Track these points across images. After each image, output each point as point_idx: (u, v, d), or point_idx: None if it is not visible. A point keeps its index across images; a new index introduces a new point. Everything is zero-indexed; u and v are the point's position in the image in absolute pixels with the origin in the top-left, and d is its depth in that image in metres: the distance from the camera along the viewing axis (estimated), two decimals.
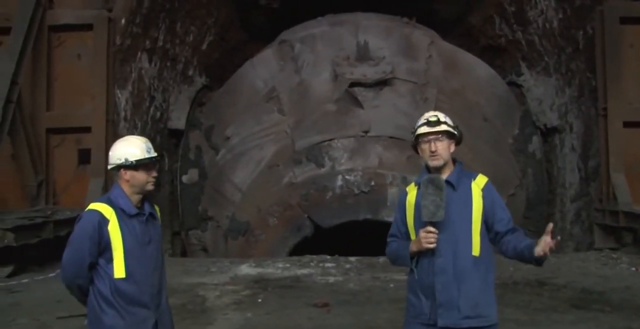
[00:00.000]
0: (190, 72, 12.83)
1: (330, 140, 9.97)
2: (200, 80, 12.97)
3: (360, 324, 5.60)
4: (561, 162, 11.60)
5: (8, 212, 8.87)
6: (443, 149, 3.16)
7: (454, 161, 3.25)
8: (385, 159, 9.61)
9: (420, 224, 3.09)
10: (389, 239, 3.33)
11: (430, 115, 3.22)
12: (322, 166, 9.77)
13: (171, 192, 11.63)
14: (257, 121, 10.81)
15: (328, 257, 8.82)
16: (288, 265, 8.38)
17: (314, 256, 8.82)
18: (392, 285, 7.09)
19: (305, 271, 8.09)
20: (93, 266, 3.09)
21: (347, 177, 9.44)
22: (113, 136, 9.98)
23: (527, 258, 3.04)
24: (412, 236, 3.16)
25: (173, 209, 11.61)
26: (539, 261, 3.02)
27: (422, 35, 11.68)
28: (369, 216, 9.22)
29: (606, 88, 10.01)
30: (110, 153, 3.19)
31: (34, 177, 9.52)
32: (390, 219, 9.09)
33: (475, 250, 3.08)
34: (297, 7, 12.87)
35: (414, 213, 3.16)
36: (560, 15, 11.10)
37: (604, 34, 10.03)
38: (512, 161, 11.39)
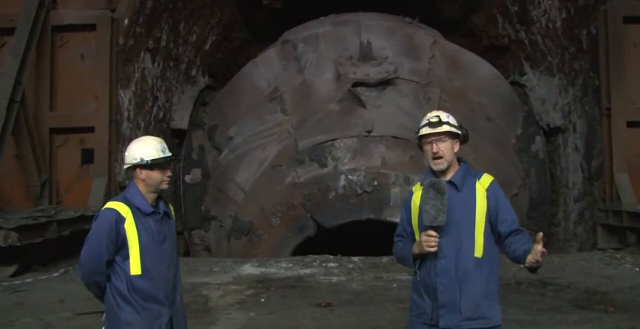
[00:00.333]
0: (193, 72, 12.85)
1: (333, 140, 9.97)
2: (203, 80, 12.99)
3: (363, 324, 5.60)
4: (564, 162, 11.58)
5: (12, 212, 8.89)
6: (446, 149, 3.13)
7: (459, 160, 3.22)
8: (388, 159, 9.60)
9: (422, 226, 3.08)
10: (395, 239, 3.33)
11: (432, 115, 3.18)
12: (325, 165, 9.77)
13: (174, 192, 11.65)
14: (260, 121, 10.81)
15: (331, 257, 8.82)
16: (291, 265, 8.38)
17: (317, 256, 8.82)
18: (395, 285, 7.09)
19: (308, 271, 8.09)
20: (110, 264, 3.16)
21: (350, 177, 9.44)
22: (116, 136, 10.03)
23: (522, 264, 3.02)
24: (417, 237, 3.16)
25: (176, 209, 11.57)
26: (531, 270, 3.01)
27: (425, 35, 11.67)
28: (371, 216, 9.22)
29: (609, 88, 9.98)
30: (126, 153, 3.27)
31: (37, 177, 9.53)
32: (393, 219, 9.19)
33: (478, 251, 3.06)
34: (300, 7, 12.88)
35: (418, 215, 3.14)
36: (564, 15, 11.08)
37: (608, 34, 10.00)
38: (515, 161, 11.38)
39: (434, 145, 3.12)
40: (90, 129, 9.97)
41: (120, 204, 3.18)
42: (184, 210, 11.66)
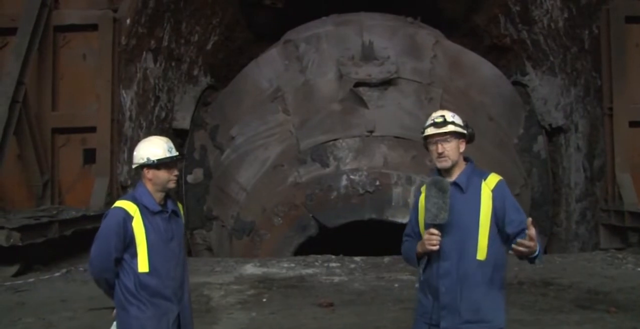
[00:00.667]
0: (195, 72, 12.86)
1: (335, 140, 9.96)
2: (205, 80, 13.01)
3: (364, 324, 5.59)
4: (566, 162, 11.58)
5: (14, 211, 8.91)
6: (451, 150, 3.11)
7: (466, 159, 3.20)
8: (390, 159, 9.60)
9: (426, 225, 3.07)
10: (403, 238, 3.32)
11: (437, 115, 3.16)
12: (327, 165, 9.76)
13: (176, 192, 11.66)
14: (262, 121, 10.82)
15: (333, 257, 8.82)
16: (293, 265, 8.38)
17: (319, 256, 8.82)
18: (397, 285, 7.09)
19: (310, 270, 8.09)
20: (119, 261, 3.23)
21: (352, 177, 9.43)
22: (118, 136, 10.05)
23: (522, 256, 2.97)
24: (423, 236, 3.14)
25: None
26: (529, 260, 2.97)
27: (426, 35, 11.67)
28: (373, 216, 9.21)
29: (612, 88, 9.97)
30: (134, 153, 3.32)
31: (39, 177, 9.54)
32: (395, 219, 9.18)
33: (481, 254, 3.03)
34: (302, 7, 12.87)
35: (424, 214, 3.11)
36: (566, 15, 11.07)
37: (610, 34, 9.99)
38: (517, 161, 11.37)
39: (439, 145, 3.10)
40: (92, 129, 9.98)
41: (128, 203, 3.24)
42: (186, 210, 11.66)
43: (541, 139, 11.92)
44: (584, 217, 10.85)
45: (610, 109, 9.98)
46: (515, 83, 12.39)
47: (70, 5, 10.30)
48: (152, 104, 11.27)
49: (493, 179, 3.13)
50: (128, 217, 3.19)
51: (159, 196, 3.31)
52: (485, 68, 11.75)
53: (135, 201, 3.26)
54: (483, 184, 3.11)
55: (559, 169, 11.79)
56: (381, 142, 9.83)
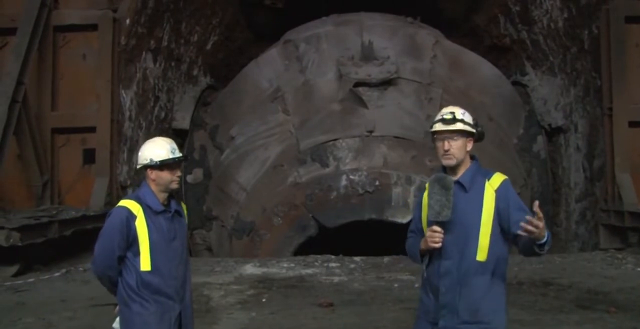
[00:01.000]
0: (195, 72, 12.86)
1: (335, 140, 9.96)
2: (204, 80, 13.01)
3: (364, 324, 5.59)
4: (566, 162, 11.58)
5: (14, 211, 8.91)
6: (457, 148, 3.07)
7: (472, 157, 3.17)
8: (390, 159, 9.60)
9: (429, 222, 3.06)
10: (408, 235, 3.32)
11: (447, 111, 3.11)
12: (327, 165, 9.77)
13: (176, 192, 11.64)
14: (262, 121, 10.82)
15: (332, 257, 8.82)
16: (292, 265, 8.38)
17: (319, 256, 8.82)
18: (396, 285, 7.09)
19: (309, 270, 8.09)
20: (122, 259, 3.27)
21: (351, 177, 9.43)
22: (118, 136, 10.05)
23: (531, 245, 2.91)
24: (426, 233, 3.12)
25: None
26: (539, 247, 2.89)
27: (426, 35, 11.67)
28: (373, 216, 9.21)
29: (611, 88, 9.97)
30: (139, 154, 3.38)
31: (39, 177, 9.54)
32: (395, 219, 9.19)
33: (481, 255, 3.01)
34: (302, 7, 12.87)
35: (427, 211, 3.10)
36: (565, 15, 11.07)
37: (609, 34, 9.99)
38: (517, 161, 11.37)
39: (446, 142, 3.07)
40: (92, 129, 9.98)
41: (132, 202, 3.29)
42: (186, 210, 11.64)
43: (541, 139, 11.93)
44: (583, 217, 10.85)
45: (610, 109, 9.98)
46: (515, 83, 12.40)
47: (70, 5, 10.30)
48: (152, 104, 11.27)
49: (497, 179, 3.10)
50: (131, 216, 3.24)
51: (162, 196, 3.36)
52: (485, 68, 11.75)
53: (139, 200, 3.31)
54: (487, 184, 3.08)
55: (559, 169, 11.79)
56: (381, 142, 9.83)
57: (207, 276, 7.74)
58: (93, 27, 10.11)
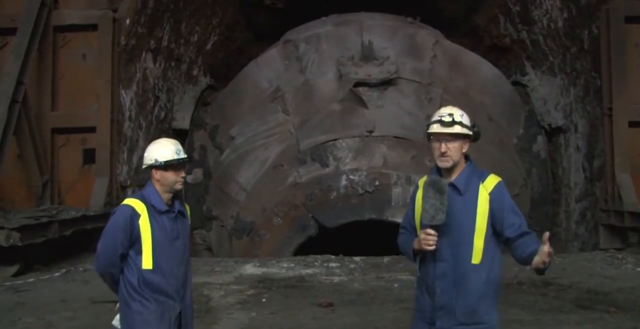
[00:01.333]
0: (195, 72, 12.86)
1: (335, 140, 9.97)
2: (204, 80, 13.01)
3: (364, 324, 5.60)
4: (566, 162, 11.58)
5: (14, 212, 8.91)
6: (454, 150, 3.07)
7: (466, 157, 3.17)
8: (389, 159, 9.60)
9: (423, 224, 3.07)
10: (400, 230, 3.34)
11: (446, 113, 3.09)
12: (327, 165, 9.77)
13: (180, 193, 11.63)
14: (262, 121, 10.81)
15: (332, 257, 8.82)
16: (292, 265, 8.39)
17: (319, 256, 8.82)
18: (396, 285, 7.09)
19: (309, 270, 8.09)
20: (124, 257, 3.31)
21: (351, 177, 9.44)
22: (118, 136, 10.05)
23: (528, 261, 2.98)
24: (419, 233, 3.14)
25: None
26: (538, 272, 2.96)
27: (426, 35, 11.67)
28: (373, 216, 9.22)
29: (611, 88, 9.97)
30: (144, 154, 3.44)
31: (39, 177, 9.54)
32: (395, 219, 9.18)
33: (476, 258, 3.02)
34: (302, 7, 12.88)
35: (420, 211, 3.11)
36: (565, 15, 11.07)
37: (609, 34, 9.99)
38: (517, 161, 11.37)
39: (443, 144, 3.06)
40: (92, 129, 9.98)
41: (136, 201, 3.35)
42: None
43: (541, 139, 11.93)
44: (583, 217, 10.85)
45: (610, 109, 9.98)
46: (515, 83, 12.39)
47: (70, 5, 10.30)
48: (152, 104, 11.27)
49: (491, 181, 3.10)
50: (135, 215, 3.29)
51: (166, 197, 3.41)
52: (485, 68, 11.75)
53: (143, 199, 3.36)
54: (481, 186, 3.08)
55: (559, 169, 11.79)
56: (381, 142, 9.83)
57: (207, 276, 7.74)
58: (93, 27, 10.12)
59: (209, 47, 13.09)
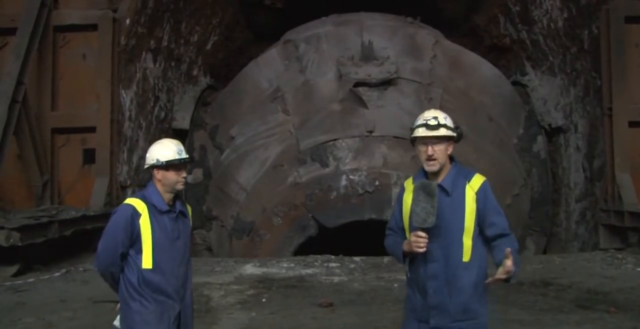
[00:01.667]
0: (195, 72, 12.86)
1: (335, 140, 9.96)
2: (204, 80, 13.01)
3: (364, 324, 5.60)
4: (566, 162, 11.58)
5: (14, 212, 8.91)
6: (441, 152, 3.14)
7: (451, 158, 3.23)
8: (389, 159, 9.60)
9: (412, 227, 3.12)
10: (387, 232, 3.40)
11: (430, 116, 3.16)
12: (327, 165, 9.77)
13: (182, 193, 11.63)
14: (262, 121, 10.81)
15: (332, 257, 8.82)
16: (292, 265, 8.39)
17: (319, 256, 8.83)
18: (396, 285, 7.09)
19: (309, 270, 8.10)
20: (125, 256, 3.33)
21: (351, 177, 9.44)
22: (118, 136, 10.05)
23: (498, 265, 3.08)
24: (407, 235, 3.20)
25: None
26: (504, 280, 3.05)
27: (426, 35, 11.67)
28: (373, 216, 9.21)
29: (611, 88, 9.97)
30: (147, 154, 3.46)
31: (39, 177, 9.55)
32: None
33: (466, 256, 3.10)
34: (302, 7, 12.88)
35: (409, 214, 3.17)
36: (565, 15, 11.07)
37: (609, 34, 9.99)
38: (517, 161, 11.36)
39: (430, 147, 3.13)
40: (92, 129, 9.98)
41: (137, 201, 3.37)
42: None
43: (541, 139, 11.93)
44: (583, 217, 10.85)
45: (610, 109, 9.98)
46: (515, 83, 12.39)
47: (70, 5, 10.30)
48: (152, 104, 11.27)
49: (477, 181, 3.17)
50: (136, 214, 3.31)
51: (168, 197, 3.43)
52: (485, 68, 11.75)
53: (144, 199, 3.38)
54: (467, 186, 3.15)
55: (559, 169, 11.79)
56: (381, 142, 9.83)
57: (207, 276, 7.74)
58: (93, 27, 10.12)
59: (209, 47, 13.09)
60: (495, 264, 3.09)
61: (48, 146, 9.90)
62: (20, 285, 7.42)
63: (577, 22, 10.83)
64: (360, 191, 9.30)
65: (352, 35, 11.10)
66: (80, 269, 8.31)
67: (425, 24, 12.30)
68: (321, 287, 7.14)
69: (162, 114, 11.68)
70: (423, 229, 3.04)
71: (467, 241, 3.09)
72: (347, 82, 10.25)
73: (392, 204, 9.14)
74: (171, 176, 3.39)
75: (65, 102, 10.17)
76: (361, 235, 9.54)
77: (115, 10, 10.17)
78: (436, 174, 3.16)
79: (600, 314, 5.78)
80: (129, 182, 10.27)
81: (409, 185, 3.27)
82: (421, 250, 3.05)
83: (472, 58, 11.76)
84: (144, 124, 10.93)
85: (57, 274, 8.09)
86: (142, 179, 10.30)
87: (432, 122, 3.12)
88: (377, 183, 9.30)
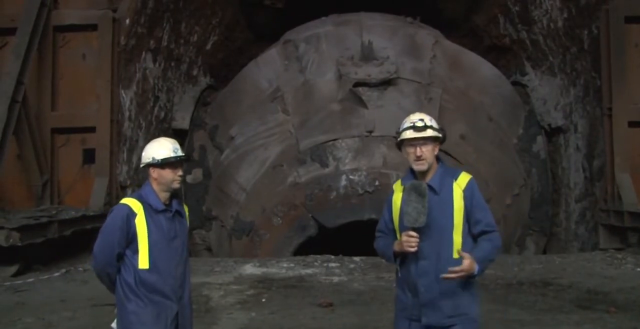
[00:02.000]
0: (195, 72, 12.85)
1: (335, 140, 9.96)
2: (204, 80, 13.01)
3: (364, 324, 5.60)
4: (566, 162, 11.58)
5: (14, 211, 8.91)
6: (428, 153, 3.24)
7: (438, 159, 3.33)
8: (389, 159, 9.60)
9: (403, 227, 3.19)
10: (377, 234, 3.48)
11: (417, 119, 3.28)
12: (327, 165, 9.76)
13: (179, 192, 11.62)
14: (262, 121, 10.81)
15: (332, 257, 8.82)
16: (292, 265, 8.39)
17: (318, 256, 8.82)
18: (396, 285, 7.07)
19: (309, 270, 8.09)
20: (121, 256, 3.31)
21: (351, 177, 9.43)
22: (117, 136, 10.04)
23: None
24: (398, 235, 3.27)
25: None
26: (471, 277, 3.13)
27: (426, 35, 11.66)
28: (373, 216, 9.19)
29: (611, 88, 9.97)
30: (142, 153, 3.44)
31: (39, 177, 9.54)
32: None
33: (456, 253, 3.16)
34: (302, 7, 12.87)
35: (399, 214, 3.27)
36: (565, 15, 11.07)
37: (609, 34, 9.99)
38: (517, 161, 11.37)
39: (418, 148, 3.23)
40: (92, 129, 9.98)
41: (133, 200, 3.35)
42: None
43: (540, 139, 11.93)
44: (583, 217, 10.85)
45: (610, 109, 9.98)
46: (514, 83, 12.39)
47: (69, 5, 10.30)
48: (152, 104, 11.27)
49: (464, 179, 3.27)
50: (132, 214, 3.29)
51: (164, 196, 3.40)
52: (484, 68, 11.75)
53: (140, 198, 3.36)
54: (455, 184, 3.25)
55: (559, 169, 11.79)
56: (380, 142, 9.82)
57: (206, 276, 7.74)
58: (93, 27, 10.11)
59: (208, 47, 13.09)
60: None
61: (48, 146, 9.90)
62: (20, 285, 7.42)
63: (577, 22, 10.83)
64: (360, 191, 9.30)
65: (352, 35, 11.10)
66: (80, 269, 8.30)
67: (425, 24, 12.29)
68: (321, 287, 7.14)
69: (162, 114, 11.68)
70: (414, 229, 3.12)
71: (457, 238, 3.18)
72: (347, 82, 10.25)
73: None
74: (167, 174, 3.36)
75: (65, 102, 10.17)
76: (361, 235, 9.53)
77: (115, 10, 10.17)
78: (424, 174, 3.27)
79: (600, 314, 5.79)
80: (128, 182, 10.27)
81: (397, 187, 3.38)
82: (412, 249, 3.13)
83: (472, 58, 11.76)
84: (143, 124, 10.93)
85: (56, 274, 8.09)
86: (142, 179, 10.29)
87: (419, 124, 3.24)
88: (376, 183, 9.29)
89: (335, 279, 7.58)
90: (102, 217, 8.76)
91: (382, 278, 7.55)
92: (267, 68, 11.50)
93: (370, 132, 9.91)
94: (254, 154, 10.62)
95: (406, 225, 3.14)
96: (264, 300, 6.54)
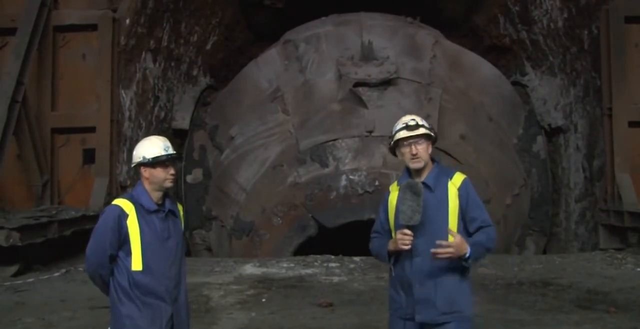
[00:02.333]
0: (195, 72, 12.85)
1: (335, 140, 9.96)
2: (204, 80, 13.01)
3: (364, 324, 5.60)
4: (566, 162, 11.58)
5: (13, 212, 8.91)
6: (423, 151, 3.30)
7: (432, 160, 3.38)
8: (389, 159, 9.58)
9: (399, 225, 3.23)
10: (372, 235, 3.52)
11: (409, 119, 3.35)
12: (327, 165, 9.76)
13: (175, 192, 11.65)
14: (262, 121, 10.81)
15: (332, 257, 8.82)
16: (292, 265, 8.39)
17: (318, 256, 8.82)
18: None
19: (309, 270, 8.09)
20: (114, 258, 3.26)
21: (351, 177, 9.43)
22: (117, 136, 10.05)
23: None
24: (394, 235, 3.30)
25: None
26: (464, 260, 3.15)
27: (426, 35, 11.66)
28: (373, 216, 9.10)
29: (611, 88, 9.97)
30: (133, 153, 3.39)
31: (39, 177, 9.54)
32: None
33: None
34: (302, 7, 12.88)
35: (395, 214, 3.30)
36: (565, 15, 11.07)
37: (609, 34, 9.99)
38: (517, 161, 11.37)
39: (413, 147, 3.29)
40: (92, 129, 9.98)
41: (124, 201, 3.30)
42: (185, 210, 11.62)
43: (541, 139, 11.93)
44: (583, 217, 10.85)
45: (610, 109, 9.98)
46: (514, 83, 12.39)
47: (69, 5, 10.30)
48: (152, 104, 11.27)
49: (458, 178, 3.33)
50: (123, 215, 3.24)
51: (156, 195, 3.34)
52: (484, 68, 11.75)
53: (132, 199, 3.30)
54: (449, 183, 3.30)
55: (559, 169, 11.79)
56: (380, 143, 9.81)
57: (206, 276, 7.74)
58: (93, 27, 10.11)
59: (208, 47, 13.09)
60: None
61: (48, 146, 9.90)
62: (20, 285, 7.42)
63: (577, 22, 10.83)
64: (360, 191, 9.30)
65: (352, 36, 11.09)
66: (80, 269, 8.29)
67: (425, 24, 12.29)
68: (321, 287, 7.14)
69: (162, 114, 11.68)
70: (409, 227, 3.16)
71: (452, 236, 3.19)
72: (347, 82, 10.24)
73: None
74: (158, 173, 3.30)
75: (65, 102, 10.17)
76: (361, 235, 9.53)
77: (115, 10, 10.17)
78: (419, 172, 3.32)
79: (600, 314, 5.79)
80: (128, 182, 10.27)
81: (393, 188, 3.41)
82: (406, 247, 3.17)
83: (472, 58, 11.75)
84: (143, 124, 10.93)
85: (56, 274, 8.09)
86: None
87: (412, 123, 3.32)
88: (376, 183, 9.29)
89: (335, 279, 7.58)
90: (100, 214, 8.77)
91: (382, 278, 7.54)
92: (267, 68, 11.50)
93: (370, 132, 9.91)
94: (254, 154, 10.62)
95: (401, 223, 3.18)
96: (264, 300, 6.54)
